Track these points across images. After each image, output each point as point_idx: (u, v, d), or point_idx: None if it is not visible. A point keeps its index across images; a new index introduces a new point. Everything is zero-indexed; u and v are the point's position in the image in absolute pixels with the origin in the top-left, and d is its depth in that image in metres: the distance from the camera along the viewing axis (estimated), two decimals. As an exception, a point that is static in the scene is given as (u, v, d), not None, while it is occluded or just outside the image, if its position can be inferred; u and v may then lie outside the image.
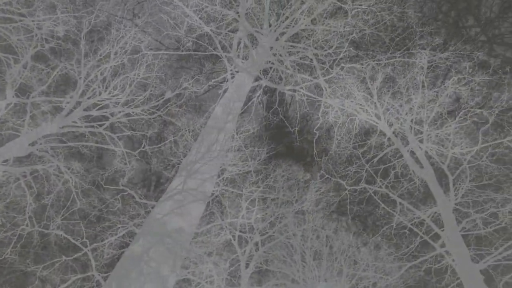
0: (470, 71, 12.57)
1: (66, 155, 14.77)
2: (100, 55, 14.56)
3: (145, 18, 14.80)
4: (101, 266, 14.58)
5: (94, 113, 14.72)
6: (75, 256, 13.96)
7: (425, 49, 12.85)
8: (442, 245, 12.53)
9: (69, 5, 14.16)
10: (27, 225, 13.15)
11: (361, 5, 13.11)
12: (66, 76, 15.03)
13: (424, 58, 12.83)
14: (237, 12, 13.82)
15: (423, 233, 13.00)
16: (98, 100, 14.65)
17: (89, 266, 13.56)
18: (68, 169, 14.33)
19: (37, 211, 14.11)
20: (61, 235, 14.16)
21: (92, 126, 14.65)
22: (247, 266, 17.24)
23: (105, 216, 15.74)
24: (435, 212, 13.15)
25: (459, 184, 12.59)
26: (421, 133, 13.66)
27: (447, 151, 12.87)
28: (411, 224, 13.53)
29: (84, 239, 14.16)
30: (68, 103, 14.01)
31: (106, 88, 14.79)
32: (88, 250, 13.56)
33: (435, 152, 13.34)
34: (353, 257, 16.36)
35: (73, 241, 13.56)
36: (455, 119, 12.95)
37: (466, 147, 12.63)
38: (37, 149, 13.38)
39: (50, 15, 13.36)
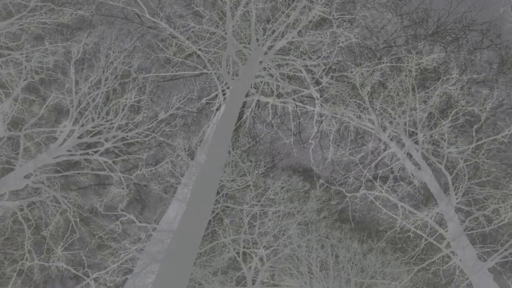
0: (458, 71, 12.75)
1: (62, 184, 14.63)
2: (91, 82, 14.62)
3: (133, 42, 14.91)
4: (105, 295, 14.30)
5: (88, 140, 14.68)
6: (78, 287, 13.69)
7: (411, 52, 13.05)
8: (448, 246, 12.44)
9: (57, 35, 14.26)
10: (26, 260, 12.92)
11: (344, 14, 13.34)
12: (58, 105, 15.04)
13: (412, 61, 13.01)
14: (224, 30, 13.99)
15: (427, 235, 12.92)
16: (92, 127, 14.63)
17: (92, 296, 13.30)
18: (65, 198, 14.19)
19: (36, 244, 13.89)
20: (62, 266, 13.93)
21: (87, 153, 14.59)
22: (254, 282, 16.97)
23: (106, 243, 15.51)
24: (438, 213, 13.11)
25: (459, 183, 12.59)
26: (416, 134, 13.72)
27: (443, 151, 12.92)
28: (415, 227, 13.45)
29: (86, 269, 13.93)
30: (61, 132, 13.98)
31: (99, 114, 14.80)
32: (91, 280, 13.33)
33: (431, 153, 13.38)
34: (359, 265, 16.16)
35: (74, 271, 13.32)
36: (448, 119, 13.05)
37: (462, 145, 12.69)
38: (32, 181, 13.26)
39: (38, 46, 13.44)
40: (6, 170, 13.53)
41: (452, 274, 13.39)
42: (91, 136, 14.64)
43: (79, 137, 14.43)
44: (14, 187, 12.58)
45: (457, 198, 12.29)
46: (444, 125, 13.18)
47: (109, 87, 14.89)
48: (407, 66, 13.15)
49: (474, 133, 12.28)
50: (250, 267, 17.10)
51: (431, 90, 13.37)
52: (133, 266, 14.89)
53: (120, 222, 15.76)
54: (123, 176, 15.44)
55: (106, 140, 15.09)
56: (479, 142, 12.47)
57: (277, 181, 17.43)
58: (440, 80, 13.01)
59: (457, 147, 12.78)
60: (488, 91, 12.38)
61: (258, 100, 15.75)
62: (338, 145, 15.25)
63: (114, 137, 15.10)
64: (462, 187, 12.33)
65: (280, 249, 17.28)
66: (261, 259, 17.50)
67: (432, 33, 12.77)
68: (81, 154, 14.44)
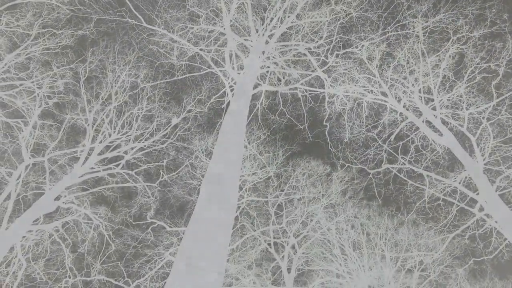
0: (467, 28, 12.21)
1: (91, 201, 15.13)
2: (102, 99, 14.95)
3: (136, 53, 15.07)
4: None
5: (109, 155, 15.07)
6: (121, 296, 14.17)
7: (416, 17, 12.56)
8: (481, 209, 12.12)
9: (62, 58, 14.60)
10: (69, 277, 13.48)
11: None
12: (75, 126, 15.47)
13: (417, 26, 12.54)
14: (222, 26, 13.92)
15: (458, 201, 12.61)
16: (110, 142, 15.01)
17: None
18: (96, 214, 14.67)
19: (76, 261, 14.48)
20: (103, 279, 14.47)
21: (110, 168, 15.00)
22: (289, 270, 17.13)
23: (141, 252, 15.99)
24: (466, 177, 12.75)
25: (484, 143, 12.17)
26: (432, 100, 13.31)
27: (463, 113, 12.49)
28: (444, 194, 13.16)
29: (126, 278, 14.44)
30: (82, 151, 14.41)
31: (114, 128, 15.14)
32: (132, 288, 13.78)
33: (451, 117, 12.97)
34: (392, 240, 16.00)
35: (115, 282, 13.83)
36: (463, 79, 12.58)
37: (482, 104, 12.23)
38: (63, 202, 13.77)
39: (47, 72, 13.82)
40: (37, 195, 14.09)
41: (489, 237, 13.06)
42: (111, 151, 15.02)
43: (99, 154, 14.83)
44: (46, 210, 13.09)
45: (484, 159, 11.89)
46: (460, 86, 12.71)
47: (120, 100, 15.17)
48: (413, 31, 12.72)
49: (493, 90, 11.79)
50: (283, 256, 17.25)
51: (442, 52, 12.88)
52: (169, 270, 15.29)
53: (151, 230, 16.17)
54: (147, 185, 15.79)
55: (126, 152, 15.45)
56: (500, 98, 11.97)
57: (298, 168, 17.42)
58: (450, 40, 12.51)
59: (477, 107, 12.32)
60: (502, 44, 11.82)
61: (267, 91, 15.66)
62: (353, 123, 14.99)
63: (132, 148, 15.44)
64: (487, 147, 11.91)
65: (310, 235, 17.33)
66: (293, 247, 17.62)
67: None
68: (104, 170, 14.85)
